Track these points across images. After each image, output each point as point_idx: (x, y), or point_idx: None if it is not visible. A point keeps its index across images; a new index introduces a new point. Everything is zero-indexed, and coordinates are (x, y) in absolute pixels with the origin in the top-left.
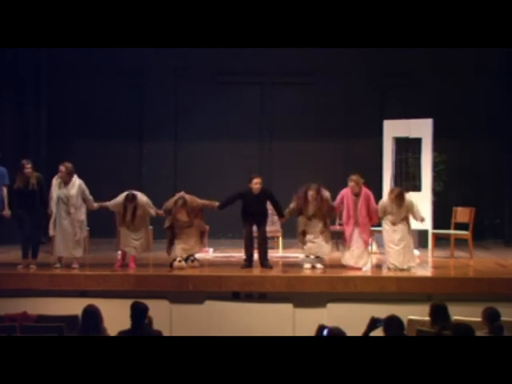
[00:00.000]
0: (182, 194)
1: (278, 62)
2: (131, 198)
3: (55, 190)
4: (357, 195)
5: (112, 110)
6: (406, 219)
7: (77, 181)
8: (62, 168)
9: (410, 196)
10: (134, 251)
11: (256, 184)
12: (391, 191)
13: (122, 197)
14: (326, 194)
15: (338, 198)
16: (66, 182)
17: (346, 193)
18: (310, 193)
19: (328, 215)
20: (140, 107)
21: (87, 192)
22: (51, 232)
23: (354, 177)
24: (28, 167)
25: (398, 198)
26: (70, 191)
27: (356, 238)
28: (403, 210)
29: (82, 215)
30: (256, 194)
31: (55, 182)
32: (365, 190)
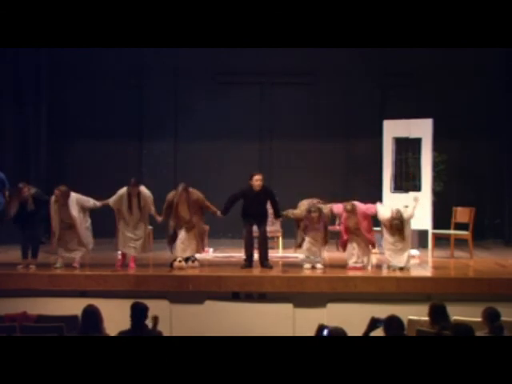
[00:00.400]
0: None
1: (278, 62)
2: (135, 183)
3: (56, 214)
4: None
5: (112, 110)
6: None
7: (74, 199)
8: (56, 192)
9: (406, 211)
10: (133, 251)
11: (257, 181)
12: (390, 226)
13: (123, 189)
14: (327, 210)
15: (335, 209)
16: (63, 204)
17: (342, 211)
18: (313, 215)
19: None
20: (140, 107)
21: (86, 202)
22: (55, 248)
23: (348, 207)
24: (25, 191)
25: (398, 233)
26: (71, 213)
27: (357, 243)
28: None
29: (86, 223)
30: (257, 192)
31: (53, 206)
32: (360, 211)
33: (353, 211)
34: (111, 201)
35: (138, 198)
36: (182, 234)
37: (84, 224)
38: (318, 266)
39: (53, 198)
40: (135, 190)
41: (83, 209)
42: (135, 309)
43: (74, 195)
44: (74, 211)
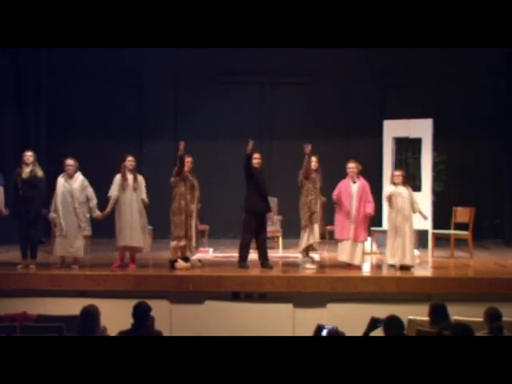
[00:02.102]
0: None
1: (278, 62)
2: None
3: (61, 187)
4: (354, 182)
5: (112, 110)
6: (407, 218)
7: (80, 176)
8: (70, 161)
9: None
10: (135, 243)
11: (255, 159)
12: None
13: (116, 176)
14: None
15: (335, 192)
16: (70, 175)
17: (342, 184)
18: (312, 158)
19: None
20: (140, 107)
21: (90, 190)
22: (64, 230)
23: (352, 160)
24: (29, 155)
25: (399, 178)
26: (73, 185)
27: (352, 234)
28: (406, 196)
29: (85, 213)
30: (259, 170)
31: (61, 178)
32: (362, 180)
33: (357, 166)
34: (112, 192)
35: (134, 176)
36: (187, 226)
37: (83, 210)
38: (313, 265)
39: (62, 174)
40: (131, 159)
41: (85, 195)
42: (138, 308)
43: (81, 176)
44: (77, 184)
